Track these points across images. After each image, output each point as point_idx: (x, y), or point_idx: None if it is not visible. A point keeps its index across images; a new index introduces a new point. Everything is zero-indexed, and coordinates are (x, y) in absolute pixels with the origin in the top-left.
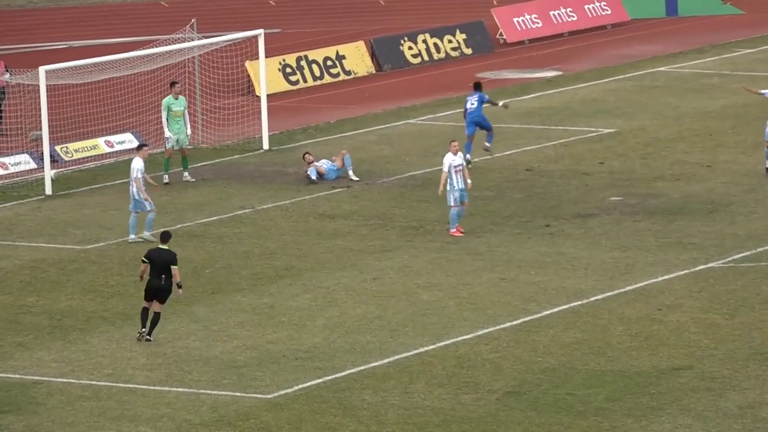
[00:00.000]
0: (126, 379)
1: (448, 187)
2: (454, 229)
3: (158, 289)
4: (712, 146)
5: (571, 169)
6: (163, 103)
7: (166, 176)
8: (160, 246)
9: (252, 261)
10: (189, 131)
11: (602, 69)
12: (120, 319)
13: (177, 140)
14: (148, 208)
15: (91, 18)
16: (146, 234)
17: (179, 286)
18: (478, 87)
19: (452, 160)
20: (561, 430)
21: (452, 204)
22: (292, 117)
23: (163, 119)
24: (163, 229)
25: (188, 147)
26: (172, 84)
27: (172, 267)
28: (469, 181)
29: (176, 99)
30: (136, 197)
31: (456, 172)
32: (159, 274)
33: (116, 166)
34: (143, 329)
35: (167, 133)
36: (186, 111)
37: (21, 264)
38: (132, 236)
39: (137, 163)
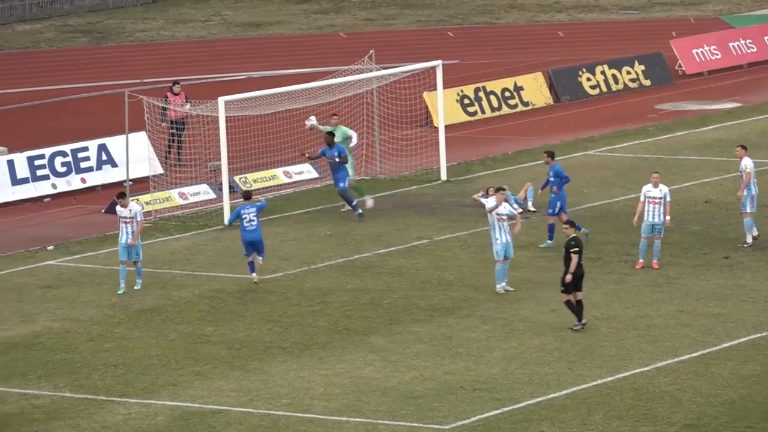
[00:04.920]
0: (304, 409)
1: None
2: (649, 262)
3: (582, 276)
4: None
5: None
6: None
7: (368, 198)
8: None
9: (430, 292)
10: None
11: None
12: (298, 348)
13: None
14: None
15: (270, 49)
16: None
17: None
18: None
19: (648, 191)
20: None
21: (642, 236)
22: (469, 148)
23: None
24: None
25: None
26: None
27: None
28: (668, 217)
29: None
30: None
31: (650, 203)
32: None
33: (294, 197)
34: (579, 323)
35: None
36: None
37: (200, 294)
38: (499, 286)
39: (490, 203)
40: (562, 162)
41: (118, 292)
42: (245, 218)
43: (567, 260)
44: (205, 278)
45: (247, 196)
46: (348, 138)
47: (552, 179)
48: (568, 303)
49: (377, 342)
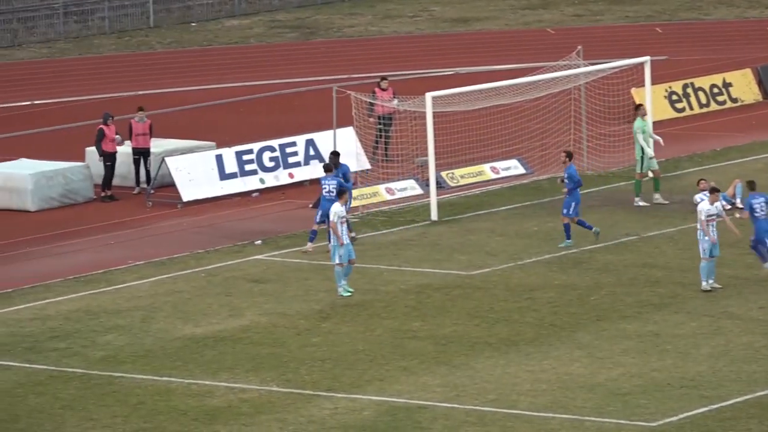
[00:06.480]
0: (510, 405)
1: None
2: None
3: None
4: None
5: None
6: (637, 126)
7: (638, 199)
8: None
9: (637, 288)
10: (652, 153)
11: None
12: (505, 344)
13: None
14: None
15: (477, 45)
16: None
17: None
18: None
19: None
20: None
21: None
22: (677, 144)
23: (642, 142)
24: None
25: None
26: (638, 107)
27: None
28: None
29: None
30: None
31: None
32: None
33: (501, 193)
34: None
35: (650, 154)
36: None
37: (406, 289)
38: (705, 283)
39: (704, 205)
40: (764, 159)
41: (345, 294)
42: (325, 188)
43: None
44: (411, 273)
45: (328, 168)
46: (647, 134)
47: (566, 180)
48: None
49: (584, 338)
